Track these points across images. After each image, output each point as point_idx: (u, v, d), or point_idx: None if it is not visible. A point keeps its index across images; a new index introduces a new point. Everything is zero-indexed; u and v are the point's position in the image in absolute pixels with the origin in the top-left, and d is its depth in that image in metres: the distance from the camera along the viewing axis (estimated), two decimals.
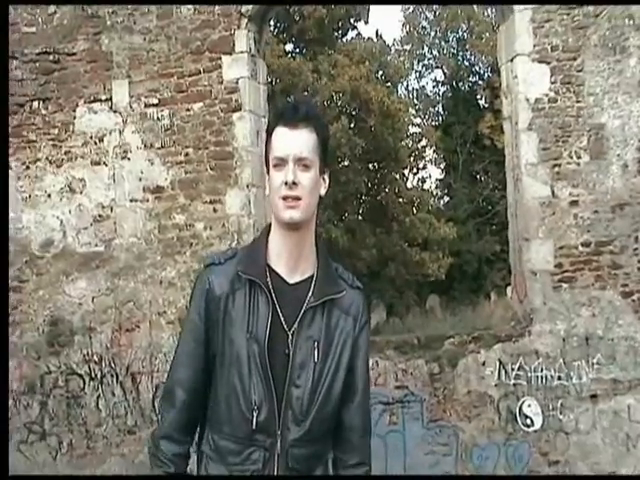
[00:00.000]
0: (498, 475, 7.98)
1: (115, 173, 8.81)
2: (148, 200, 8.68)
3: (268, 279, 2.17)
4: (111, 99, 8.84)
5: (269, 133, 2.21)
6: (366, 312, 2.33)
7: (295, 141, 2.12)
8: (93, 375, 8.62)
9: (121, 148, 8.81)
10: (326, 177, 2.25)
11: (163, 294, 8.58)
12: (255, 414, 2.12)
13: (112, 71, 8.84)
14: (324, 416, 2.19)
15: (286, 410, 2.14)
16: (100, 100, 8.86)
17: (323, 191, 2.23)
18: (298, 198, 2.11)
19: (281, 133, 2.14)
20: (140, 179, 8.72)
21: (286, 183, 2.10)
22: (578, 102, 8.10)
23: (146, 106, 8.77)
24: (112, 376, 8.57)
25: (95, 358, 8.61)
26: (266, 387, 2.13)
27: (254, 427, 2.13)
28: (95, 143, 8.88)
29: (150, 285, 8.62)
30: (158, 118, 8.74)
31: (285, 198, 2.11)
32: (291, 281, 2.20)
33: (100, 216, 8.79)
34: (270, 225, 2.27)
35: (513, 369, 8.09)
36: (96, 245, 8.76)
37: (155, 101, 8.75)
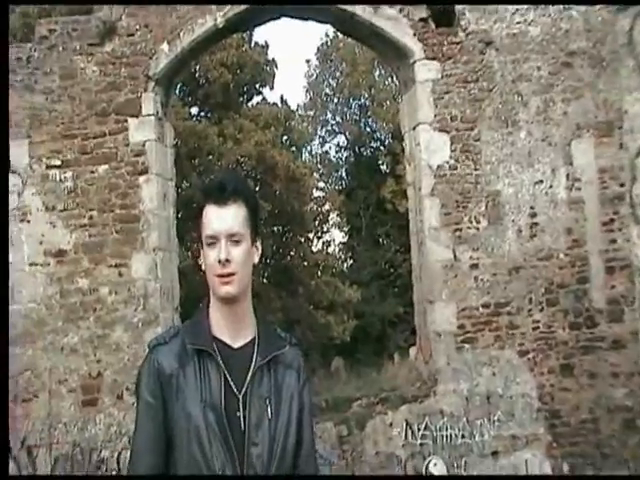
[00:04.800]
0: (498, 475, 8.03)
1: (13, 236, 8.52)
2: (49, 264, 8.43)
3: (214, 347, 2.25)
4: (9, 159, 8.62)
5: (199, 211, 2.29)
6: (306, 367, 2.44)
7: (225, 218, 2.22)
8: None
9: (20, 210, 8.56)
10: (258, 245, 2.33)
11: (64, 361, 8.29)
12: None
13: (11, 130, 8.61)
14: (283, 471, 2.25)
15: (248, 470, 2.19)
16: None
17: (256, 259, 2.32)
18: (232, 274, 2.21)
19: (210, 212, 2.23)
20: (41, 242, 8.48)
21: (219, 261, 2.19)
22: (476, 170, 8.52)
23: (48, 167, 8.60)
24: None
25: None
26: (227, 451, 2.18)
27: None
28: None
29: (50, 352, 8.30)
30: (61, 180, 8.57)
31: (220, 275, 2.21)
32: (235, 345, 2.29)
33: None
34: (209, 298, 2.33)
35: (419, 429, 8.22)
36: None
37: (57, 162, 8.59)
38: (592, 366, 8.33)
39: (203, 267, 2.28)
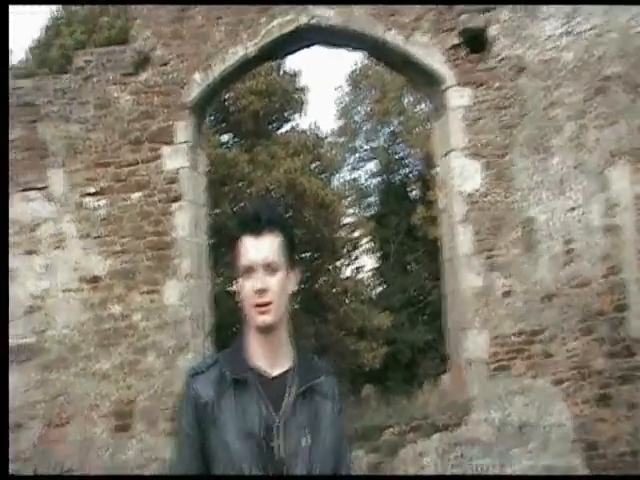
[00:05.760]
0: (498, 475, 7.91)
1: (49, 263, 8.64)
2: (83, 290, 8.51)
3: (252, 375, 2.27)
4: (46, 188, 8.77)
5: (235, 242, 2.31)
6: (341, 396, 2.44)
7: (260, 248, 2.25)
8: (20, 475, 8.15)
9: (56, 237, 8.68)
10: (295, 274, 2.36)
11: (97, 387, 8.33)
12: None
13: (47, 159, 8.80)
14: None
15: None
16: (35, 188, 8.78)
17: (293, 288, 2.35)
18: (268, 303, 2.23)
19: (246, 242, 2.26)
20: (75, 269, 8.58)
21: (256, 291, 2.22)
22: (508, 197, 8.46)
23: (82, 195, 8.72)
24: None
25: (22, 456, 8.20)
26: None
27: None
28: (29, 232, 8.73)
29: (83, 378, 8.36)
30: (95, 207, 8.69)
31: (256, 305, 2.23)
32: (273, 374, 2.30)
33: (32, 307, 8.55)
34: (246, 327, 2.35)
35: (451, 458, 8.09)
36: (26, 337, 8.49)
37: (92, 190, 8.72)
38: (630, 397, 8.13)
39: (240, 297, 2.30)
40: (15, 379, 8.29)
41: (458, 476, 8.00)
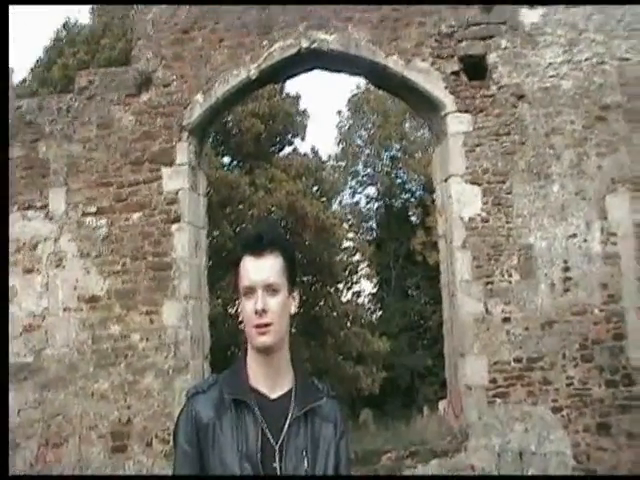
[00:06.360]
0: (498, 475, 7.84)
1: (48, 281, 8.64)
2: (82, 309, 8.51)
3: (252, 397, 2.25)
4: (47, 206, 8.79)
5: (237, 262, 2.31)
6: (344, 419, 2.42)
7: (262, 269, 2.25)
8: (20, 475, 8.09)
9: (56, 256, 8.69)
10: (295, 295, 2.36)
11: (95, 407, 8.29)
12: None
13: (48, 178, 8.83)
14: None
15: None
16: (35, 207, 8.81)
17: (294, 309, 2.35)
18: (269, 324, 2.23)
19: (248, 263, 2.27)
20: (75, 288, 8.58)
21: (256, 311, 2.21)
22: (508, 223, 8.47)
23: (83, 214, 8.75)
24: None
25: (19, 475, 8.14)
26: None
27: None
28: (28, 250, 8.74)
29: (81, 397, 8.33)
30: (95, 227, 8.71)
31: (257, 326, 2.22)
32: (273, 396, 2.29)
33: (31, 325, 8.53)
34: (247, 348, 2.35)
35: None
36: (25, 355, 8.47)
37: (93, 210, 8.74)
38: (630, 426, 8.06)
39: (240, 317, 2.31)
40: (13, 398, 8.27)
41: (458, 476, 7.93)
